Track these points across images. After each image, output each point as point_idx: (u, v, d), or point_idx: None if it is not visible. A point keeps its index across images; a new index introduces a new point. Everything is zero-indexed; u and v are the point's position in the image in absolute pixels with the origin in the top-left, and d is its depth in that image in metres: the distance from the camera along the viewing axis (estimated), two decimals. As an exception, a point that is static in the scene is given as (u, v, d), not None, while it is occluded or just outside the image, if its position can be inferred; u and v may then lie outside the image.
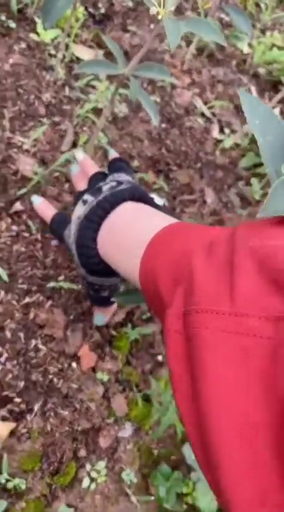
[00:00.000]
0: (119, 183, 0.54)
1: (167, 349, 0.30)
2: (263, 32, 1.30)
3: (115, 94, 0.60)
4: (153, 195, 0.87)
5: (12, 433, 0.60)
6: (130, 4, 1.10)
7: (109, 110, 0.64)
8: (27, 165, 0.74)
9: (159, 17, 0.49)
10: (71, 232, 0.55)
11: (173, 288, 0.34)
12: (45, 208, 0.65)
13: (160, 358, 0.74)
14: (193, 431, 0.28)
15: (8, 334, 0.62)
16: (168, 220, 0.44)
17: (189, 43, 1.11)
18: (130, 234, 0.45)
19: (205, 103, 1.05)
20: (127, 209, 0.51)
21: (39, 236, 0.71)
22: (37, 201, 0.66)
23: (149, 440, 0.71)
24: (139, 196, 0.52)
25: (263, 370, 0.24)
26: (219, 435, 0.24)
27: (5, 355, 0.61)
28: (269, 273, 0.26)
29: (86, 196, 0.55)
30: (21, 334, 0.63)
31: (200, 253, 0.32)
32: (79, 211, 0.54)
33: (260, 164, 0.97)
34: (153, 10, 0.48)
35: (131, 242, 0.44)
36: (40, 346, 0.63)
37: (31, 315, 0.64)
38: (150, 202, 0.54)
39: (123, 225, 0.48)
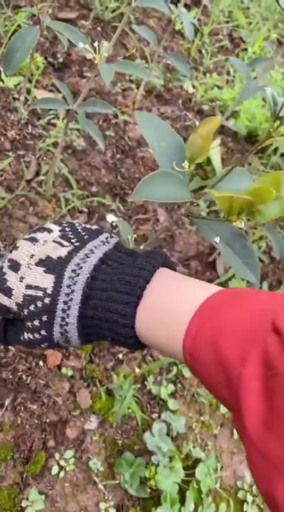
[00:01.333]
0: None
1: (244, 410, 0.30)
2: (205, 74, 1.48)
3: (67, 126, 0.71)
4: (110, 215, 0.98)
5: (-15, 425, 0.66)
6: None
7: (64, 140, 0.75)
8: (-5, 192, 0.84)
9: (96, 61, 0.61)
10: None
11: (245, 347, 0.32)
12: None
13: (120, 356, 0.82)
14: None
15: (-20, 337, 0.70)
16: (211, 286, 0.41)
17: (138, 86, 1.26)
18: (174, 304, 0.40)
19: (155, 136, 1.19)
20: (163, 277, 0.43)
21: (6, 252, 0.79)
22: None
23: (114, 432, 0.78)
24: (168, 264, 0.45)
25: None
26: None
27: (-22, 355, 0.69)
28: None
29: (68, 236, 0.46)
30: (-8, 337, 0.70)
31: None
32: (58, 252, 0.45)
33: (204, 186, 1.10)
34: (89, 56, 0.61)
35: (175, 313, 0.39)
36: (9, 347, 0.71)
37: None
38: (173, 268, 0.47)
39: (164, 295, 0.41)
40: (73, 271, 0.42)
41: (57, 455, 0.70)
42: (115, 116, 1.16)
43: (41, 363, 0.73)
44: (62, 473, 0.70)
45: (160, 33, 1.48)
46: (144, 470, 0.75)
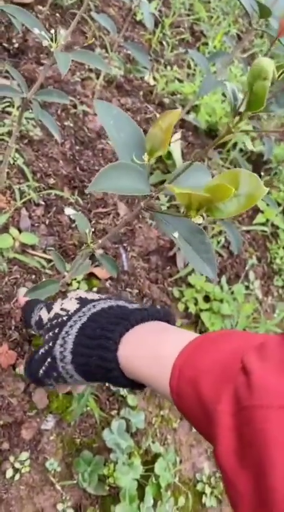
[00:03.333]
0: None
1: (218, 445, 0.32)
2: (166, 66, 1.46)
3: (22, 115, 0.68)
4: (68, 208, 0.95)
5: None
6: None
7: (17, 130, 0.72)
8: None
9: (52, 49, 0.58)
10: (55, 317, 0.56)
11: (220, 386, 0.35)
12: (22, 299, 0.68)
13: (78, 353, 0.80)
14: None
15: None
16: (195, 334, 0.46)
17: (98, 75, 1.23)
18: (161, 345, 0.45)
19: (115, 127, 1.16)
20: (155, 324, 0.51)
21: None
22: (21, 292, 0.71)
23: (72, 430, 0.76)
24: (168, 319, 0.53)
25: None
26: None
27: None
28: None
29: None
30: None
31: (252, 355, 0.34)
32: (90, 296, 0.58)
33: (165, 180, 1.09)
34: (45, 43, 0.58)
35: (162, 352, 0.44)
36: None
37: None
38: (172, 323, 0.54)
39: (151, 337, 0.48)
40: (93, 305, 0.55)
41: (11, 458, 0.68)
42: (74, 106, 1.13)
43: (-6, 362, 0.70)
44: (17, 476, 0.68)
45: (121, 23, 1.45)
46: (103, 468, 0.74)
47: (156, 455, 0.81)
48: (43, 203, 0.92)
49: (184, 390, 0.39)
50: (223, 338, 0.41)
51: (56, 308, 0.58)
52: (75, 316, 0.54)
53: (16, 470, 0.68)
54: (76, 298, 0.57)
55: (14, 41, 1.14)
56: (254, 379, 0.31)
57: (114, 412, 0.81)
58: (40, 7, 1.27)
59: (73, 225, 0.93)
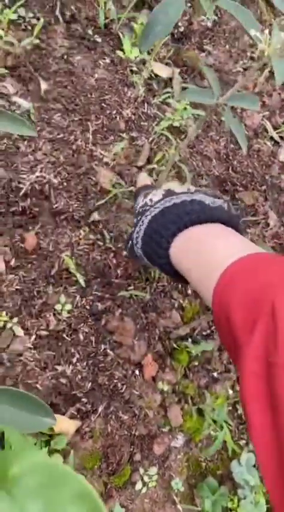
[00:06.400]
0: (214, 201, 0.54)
1: (243, 389, 0.30)
2: None
3: (205, 120, 0.63)
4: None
5: (77, 431, 0.64)
6: (209, 24, 1.13)
7: (194, 133, 0.67)
8: (106, 178, 0.78)
9: (265, 53, 0.51)
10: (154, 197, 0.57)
11: (249, 325, 0.33)
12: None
13: (215, 374, 0.76)
14: (269, 464, 0.27)
15: (81, 337, 0.66)
16: (250, 248, 0.42)
17: (264, 67, 1.12)
18: (213, 251, 0.43)
19: (274, 127, 1.06)
20: (214, 228, 0.48)
21: (112, 246, 0.74)
22: (141, 178, 0.72)
23: (198, 452, 0.73)
24: (233, 224, 0.50)
25: None
26: None
27: (77, 356, 0.65)
28: None
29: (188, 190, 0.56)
30: (93, 338, 0.67)
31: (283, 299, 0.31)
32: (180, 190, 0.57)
33: None
34: (261, 47, 0.51)
35: (210, 261, 0.42)
36: (108, 351, 0.67)
37: (103, 321, 0.68)
38: (239, 230, 0.51)
39: (204, 242, 0.46)
40: (171, 199, 0.54)
41: (141, 470, 0.67)
42: (233, 99, 1.05)
43: (137, 371, 0.69)
44: (144, 489, 0.67)
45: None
46: (227, 500, 0.71)
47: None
48: (194, 206, 0.87)
49: (221, 313, 0.38)
50: (265, 265, 0.37)
51: (148, 197, 0.59)
52: (153, 207, 0.55)
53: (144, 484, 0.67)
54: (164, 190, 0.58)
55: (179, 24, 1.09)
56: (281, 333, 0.29)
57: (242, 442, 0.76)
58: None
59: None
